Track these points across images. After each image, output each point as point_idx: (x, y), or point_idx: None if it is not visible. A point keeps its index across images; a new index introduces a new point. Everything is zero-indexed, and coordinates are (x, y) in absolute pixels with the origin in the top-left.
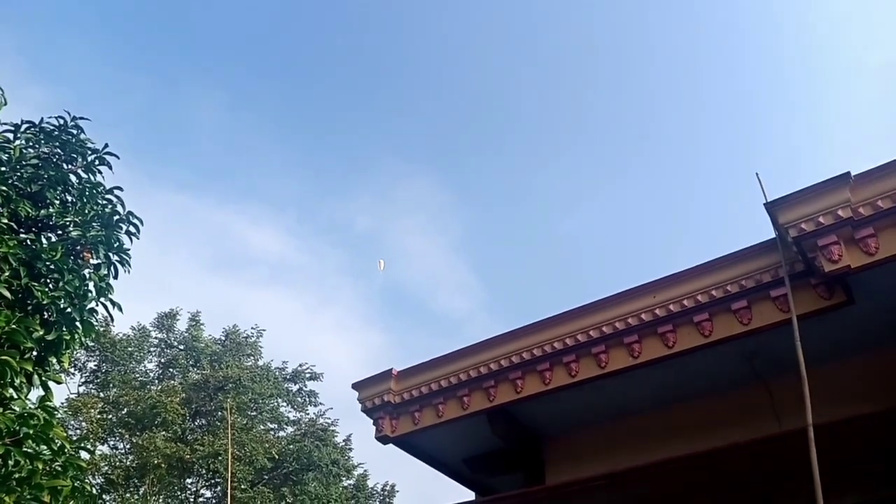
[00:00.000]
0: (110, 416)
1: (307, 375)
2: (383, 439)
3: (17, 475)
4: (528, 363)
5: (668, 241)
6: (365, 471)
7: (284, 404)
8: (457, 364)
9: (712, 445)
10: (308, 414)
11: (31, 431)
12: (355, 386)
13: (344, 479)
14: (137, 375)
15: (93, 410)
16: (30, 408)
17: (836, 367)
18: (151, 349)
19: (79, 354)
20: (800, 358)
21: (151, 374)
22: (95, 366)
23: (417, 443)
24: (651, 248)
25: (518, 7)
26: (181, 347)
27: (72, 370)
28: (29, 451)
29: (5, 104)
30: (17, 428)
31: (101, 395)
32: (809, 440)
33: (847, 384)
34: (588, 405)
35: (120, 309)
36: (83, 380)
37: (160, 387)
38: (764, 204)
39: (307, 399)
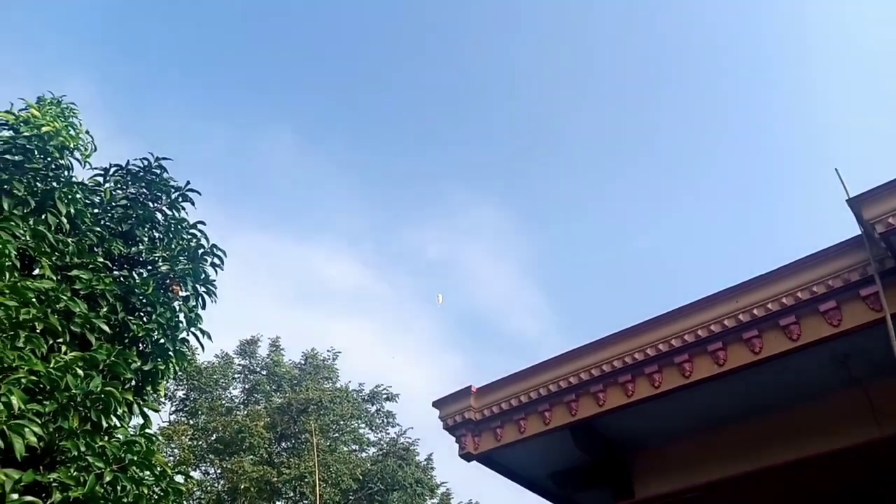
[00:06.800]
0: (200, 443)
1: (384, 396)
2: (466, 456)
3: (125, 500)
4: (610, 375)
5: (749, 247)
6: (448, 489)
7: (363, 426)
8: (536, 379)
9: (808, 453)
10: (388, 434)
11: (134, 458)
12: (436, 404)
13: (428, 497)
14: (223, 402)
15: (184, 437)
16: (131, 435)
17: None
18: (235, 376)
19: (168, 384)
20: None
21: (237, 400)
22: (184, 394)
23: (501, 459)
24: (733, 256)
25: (581, 29)
26: (263, 373)
27: (163, 399)
28: (134, 476)
29: (95, 150)
30: (123, 455)
31: (191, 422)
32: None
33: None
34: (674, 416)
35: (209, 337)
36: (173, 408)
37: (245, 412)
38: (847, 199)
39: (385, 420)
